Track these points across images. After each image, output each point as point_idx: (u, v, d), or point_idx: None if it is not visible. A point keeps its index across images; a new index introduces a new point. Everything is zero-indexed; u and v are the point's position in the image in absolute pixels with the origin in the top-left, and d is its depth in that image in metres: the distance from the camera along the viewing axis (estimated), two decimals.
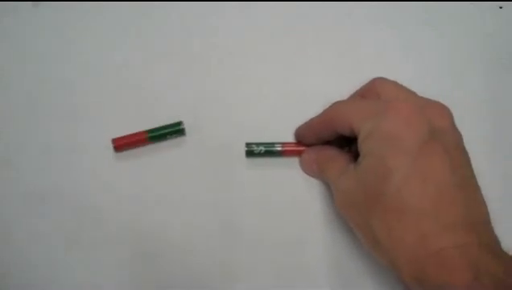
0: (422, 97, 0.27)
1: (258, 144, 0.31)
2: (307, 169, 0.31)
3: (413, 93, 0.28)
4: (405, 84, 0.34)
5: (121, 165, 0.32)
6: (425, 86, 0.34)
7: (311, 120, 0.30)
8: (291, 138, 0.32)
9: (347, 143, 0.31)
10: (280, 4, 0.36)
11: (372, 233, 0.24)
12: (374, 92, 0.28)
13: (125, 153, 0.32)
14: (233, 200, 0.31)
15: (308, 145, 0.31)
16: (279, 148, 0.31)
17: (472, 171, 0.25)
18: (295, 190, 0.31)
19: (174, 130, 0.32)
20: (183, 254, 0.30)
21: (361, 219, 0.25)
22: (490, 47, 0.35)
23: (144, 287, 0.30)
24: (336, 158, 0.29)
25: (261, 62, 0.35)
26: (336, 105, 0.29)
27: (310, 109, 0.31)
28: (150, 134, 0.32)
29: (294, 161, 0.32)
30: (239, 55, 0.35)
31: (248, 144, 0.31)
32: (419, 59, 0.35)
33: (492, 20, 0.36)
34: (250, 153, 0.31)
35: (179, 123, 0.32)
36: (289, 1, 0.36)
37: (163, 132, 0.32)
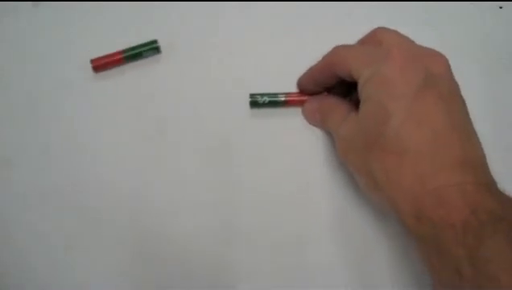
0: (421, 46, 0.28)
1: (261, 95, 0.32)
2: (310, 119, 0.32)
3: (412, 42, 0.28)
4: None
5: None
6: None
7: (312, 67, 0.31)
8: None
9: (348, 91, 0.31)
10: (280, 4, 0.36)
11: (372, 175, 0.25)
12: (376, 40, 0.28)
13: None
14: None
15: (311, 94, 0.32)
16: (283, 98, 0.32)
17: (468, 116, 0.26)
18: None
19: (149, 48, 0.33)
20: (183, 253, 0.30)
21: (361, 163, 0.26)
22: (490, 47, 0.35)
23: (144, 288, 0.30)
24: (337, 106, 0.30)
25: (261, 62, 0.35)
26: (336, 50, 0.29)
27: None
28: (126, 54, 0.33)
29: (297, 111, 0.33)
30: (239, 55, 0.35)
31: (252, 95, 0.32)
32: None
33: (492, 20, 0.36)
34: (254, 104, 0.32)
35: (155, 41, 0.33)
36: (289, 1, 0.36)
37: (138, 50, 0.33)
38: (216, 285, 0.30)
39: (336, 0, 0.36)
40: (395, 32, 0.28)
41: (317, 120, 0.32)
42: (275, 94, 0.32)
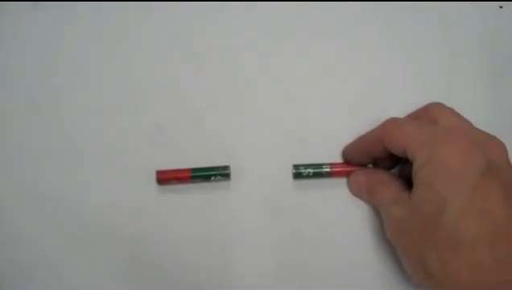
0: (479, 130, 0.27)
1: (305, 166, 0.31)
2: (356, 191, 0.31)
3: (470, 123, 0.27)
4: (405, 84, 0.34)
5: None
6: (425, 86, 0.35)
7: (361, 137, 0.30)
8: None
9: (396, 162, 0.30)
10: (280, 4, 0.36)
11: (424, 264, 0.24)
12: (430, 117, 0.27)
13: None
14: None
15: (356, 165, 0.31)
16: (328, 169, 0.31)
17: None
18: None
19: (220, 173, 0.31)
20: (183, 257, 0.30)
21: (413, 249, 0.25)
22: (490, 47, 0.35)
23: (143, 288, 0.30)
24: (387, 183, 0.29)
25: (261, 62, 0.35)
26: (390, 124, 0.28)
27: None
28: (194, 174, 0.31)
29: (342, 182, 0.31)
30: (238, 55, 0.35)
31: (296, 166, 0.31)
32: (419, 59, 0.35)
33: (492, 20, 0.36)
34: (298, 175, 0.31)
35: (227, 167, 0.31)
36: (289, 1, 0.36)
37: (208, 173, 0.31)
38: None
39: (336, 0, 0.36)
40: (451, 111, 0.27)
41: (364, 194, 0.30)
42: (320, 165, 0.31)
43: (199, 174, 0.31)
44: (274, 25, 0.35)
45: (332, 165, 0.31)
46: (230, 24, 0.35)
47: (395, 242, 0.26)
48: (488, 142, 0.25)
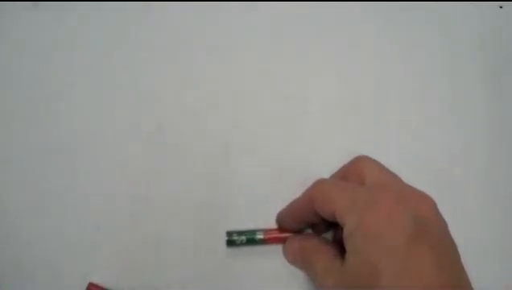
0: (406, 186, 0.26)
1: (238, 233, 0.29)
2: (291, 259, 0.29)
3: (397, 178, 0.27)
4: (405, 84, 0.34)
5: None
6: (425, 86, 0.35)
7: (292, 203, 0.29)
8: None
9: (331, 225, 0.29)
10: (280, 4, 0.36)
11: None
12: (358, 173, 0.27)
13: None
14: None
15: (291, 231, 0.29)
16: (261, 236, 0.29)
17: (460, 263, 0.24)
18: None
19: None
20: (183, 253, 0.30)
21: None
22: (490, 47, 0.35)
23: (144, 288, 0.30)
24: (320, 250, 0.27)
25: (261, 62, 0.35)
26: (319, 187, 0.27)
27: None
28: None
29: (278, 248, 0.30)
30: (238, 55, 0.35)
31: (229, 233, 0.30)
32: (419, 59, 0.35)
33: (492, 20, 0.36)
34: (231, 243, 0.29)
35: None
36: (289, 1, 0.36)
37: None
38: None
39: (336, 0, 0.36)
40: (378, 166, 0.27)
41: (298, 262, 0.29)
42: (253, 231, 0.29)
43: None
44: (274, 25, 0.35)
45: (265, 232, 0.29)
46: (230, 24, 0.35)
47: None
48: (415, 199, 0.25)
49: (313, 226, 0.29)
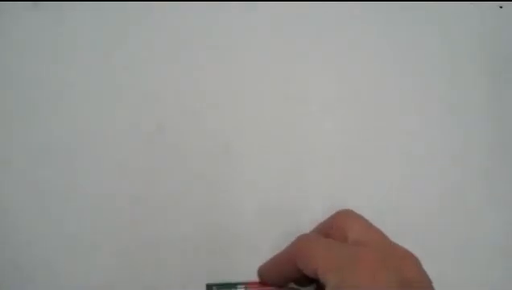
0: (389, 243, 0.26)
1: (218, 286, 0.29)
2: None
3: (381, 235, 0.26)
4: (405, 84, 0.34)
5: None
6: (425, 86, 0.35)
7: (274, 258, 0.29)
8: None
9: (314, 279, 0.28)
10: (280, 4, 0.36)
11: None
12: (341, 229, 0.26)
13: None
14: None
15: (273, 285, 0.29)
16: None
17: None
18: None
19: None
20: (182, 254, 0.30)
21: None
22: (490, 47, 0.35)
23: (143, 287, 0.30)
24: None
25: (261, 62, 0.35)
26: (300, 243, 0.27)
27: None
28: None
29: None
30: (238, 55, 0.35)
31: (208, 286, 0.29)
32: (419, 59, 0.35)
33: (492, 20, 0.36)
34: None
35: None
36: (289, 0, 0.36)
37: None
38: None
39: (336, 0, 0.36)
40: (360, 222, 0.26)
41: None
42: (234, 285, 0.29)
43: None
44: (274, 25, 0.35)
45: (247, 285, 0.29)
46: (230, 24, 0.35)
47: None
48: (399, 258, 0.24)
49: (295, 280, 0.29)
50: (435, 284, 0.24)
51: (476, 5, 0.36)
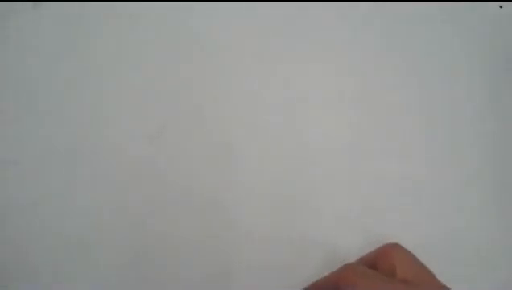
0: (435, 281, 0.25)
1: None
2: None
3: (428, 273, 0.26)
4: (405, 84, 0.34)
5: None
6: (425, 86, 0.35)
7: (317, 283, 0.28)
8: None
9: None
10: (280, 4, 0.36)
11: None
12: (388, 263, 0.26)
13: None
14: None
15: None
16: None
17: None
18: None
19: None
20: (183, 255, 0.30)
21: None
22: (490, 47, 0.35)
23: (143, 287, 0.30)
24: None
25: (261, 62, 0.35)
26: (346, 275, 0.25)
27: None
28: None
29: None
30: (238, 55, 0.35)
31: None
32: (419, 59, 0.35)
33: (492, 20, 0.36)
34: None
35: None
36: (289, 0, 0.36)
37: None
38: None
39: (336, 0, 0.36)
40: (410, 258, 0.26)
41: None
42: None
43: None
44: (275, 25, 0.35)
45: None
46: (230, 24, 0.35)
47: None
48: None
49: None
50: None
51: (476, 5, 0.36)
